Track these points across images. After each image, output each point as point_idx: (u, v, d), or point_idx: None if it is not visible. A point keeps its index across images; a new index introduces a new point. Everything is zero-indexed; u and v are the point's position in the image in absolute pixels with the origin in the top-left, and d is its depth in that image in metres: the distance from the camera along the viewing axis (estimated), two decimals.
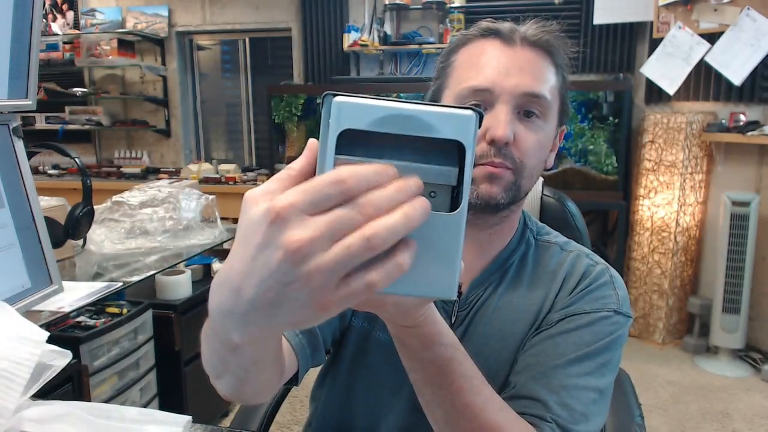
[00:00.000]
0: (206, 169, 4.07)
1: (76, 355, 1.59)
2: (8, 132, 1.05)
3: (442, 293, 0.41)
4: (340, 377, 0.86)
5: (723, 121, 3.10)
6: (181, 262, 1.90)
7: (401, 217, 0.34)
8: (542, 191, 1.09)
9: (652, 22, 3.27)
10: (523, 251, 0.82)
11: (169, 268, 1.80)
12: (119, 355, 1.77)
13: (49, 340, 0.80)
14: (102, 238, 1.79)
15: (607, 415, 0.73)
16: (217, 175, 3.96)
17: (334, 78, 3.87)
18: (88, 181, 1.47)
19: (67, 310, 1.26)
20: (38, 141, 1.36)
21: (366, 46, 3.72)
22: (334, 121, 0.39)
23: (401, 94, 3.48)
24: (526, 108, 0.72)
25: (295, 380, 0.77)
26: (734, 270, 2.92)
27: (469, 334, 0.78)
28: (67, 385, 1.39)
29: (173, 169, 4.25)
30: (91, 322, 1.71)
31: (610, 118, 3.22)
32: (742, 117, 3.07)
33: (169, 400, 2.05)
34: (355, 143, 0.39)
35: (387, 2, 3.74)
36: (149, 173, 4.24)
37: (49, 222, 1.25)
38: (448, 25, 3.62)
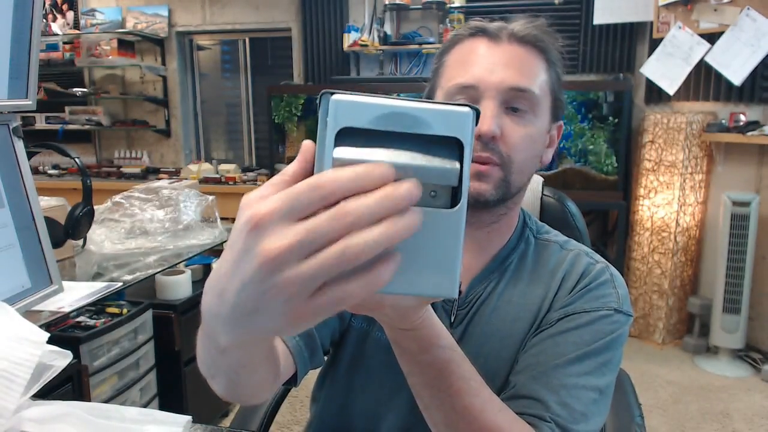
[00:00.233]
0: (206, 169, 4.07)
1: (76, 355, 1.59)
2: (8, 132, 1.05)
3: (443, 292, 0.41)
4: (338, 378, 0.86)
5: (723, 121, 3.10)
6: (181, 262, 1.90)
7: (381, 232, 0.33)
8: (542, 191, 1.09)
9: (652, 22, 3.27)
10: (523, 250, 0.82)
11: (169, 268, 1.80)
12: (119, 355, 1.77)
13: (49, 340, 0.80)
14: (102, 238, 1.79)
15: (607, 415, 0.73)
16: (217, 175, 3.96)
17: (334, 78, 3.87)
18: (88, 181, 1.47)
19: (67, 310, 1.26)
20: (38, 141, 1.36)
21: (366, 46, 3.72)
22: (331, 119, 0.38)
23: (401, 94, 3.46)
24: (513, 103, 0.72)
25: (294, 381, 0.77)
26: (734, 270, 2.92)
27: (468, 334, 0.78)
28: (67, 385, 1.39)
29: (173, 169, 4.25)
30: (91, 322, 1.71)
31: (610, 118, 3.22)
32: (742, 117, 3.07)
33: (169, 400, 2.04)
34: (354, 142, 0.39)
35: (387, 2, 3.74)
36: (149, 173, 4.24)
37: (49, 222, 1.25)
38: (448, 25, 3.62)
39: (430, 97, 0.80)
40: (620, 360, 0.75)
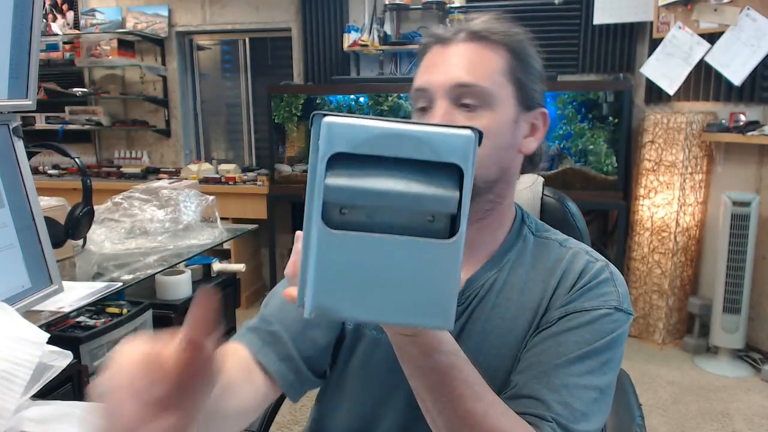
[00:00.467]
0: (206, 169, 4.07)
1: (76, 355, 1.59)
2: (8, 132, 1.05)
3: (438, 323, 0.40)
4: (334, 379, 0.86)
5: (723, 121, 3.10)
6: (181, 262, 1.89)
7: None
8: (542, 191, 1.09)
9: (652, 22, 3.27)
10: (521, 247, 0.82)
11: (169, 268, 1.79)
12: None
13: (49, 341, 0.80)
14: (102, 238, 1.79)
15: (609, 414, 0.73)
16: (217, 175, 3.96)
17: (334, 78, 3.87)
18: (88, 181, 1.47)
19: (67, 310, 1.26)
20: (38, 141, 1.36)
21: (366, 46, 3.72)
22: (323, 143, 0.37)
23: (401, 95, 3.48)
24: (463, 99, 0.74)
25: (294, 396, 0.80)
26: (734, 270, 2.92)
27: (468, 331, 0.78)
28: (67, 385, 1.39)
29: (173, 169, 4.25)
30: (91, 322, 1.71)
31: (610, 118, 3.22)
32: (742, 117, 3.07)
33: None
34: (348, 166, 0.37)
35: (387, 2, 3.74)
36: (149, 173, 4.24)
37: (49, 222, 1.25)
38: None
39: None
40: (621, 358, 0.75)
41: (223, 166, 4.08)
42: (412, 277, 0.38)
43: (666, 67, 3.18)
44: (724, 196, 2.94)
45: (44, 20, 4.30)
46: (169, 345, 0.41)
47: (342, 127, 0.37)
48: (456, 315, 0.79)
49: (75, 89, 4.33)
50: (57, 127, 4.38)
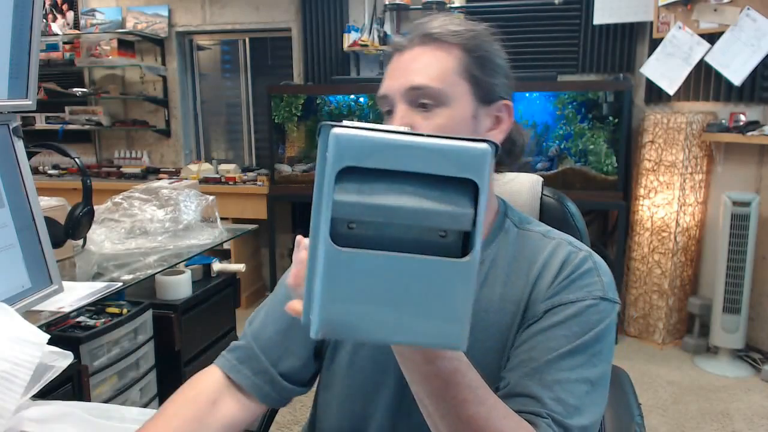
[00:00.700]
0: (206, 169, 4.07)
1: (76, 355, 1.59)
2: (8, 132, 1.05)
3: (451, 343, 0.39)
4: (324, 379, 0.88)
5: (723, 121, 3.10)
6: (181, 262, 1.90)
7: None
8: (542, 191, 1.09)
9: (652, 22, 3.27)
10: (503, 240, 0.82)
11: (169, 268, 1.79)
12: (119, 355, 1.77)
13: (50, 341, 0.80)
14: (102, 238, 1.79)
15: (605, 405, 0.73)
16: (217, 175, 3.96)
17: (334, 78, 3.87)
18: (88, 181, 1.47)
19: (67, 310, 1.26)
20: (38, 141, 1.36)
21: (366, 46, 3.72)
22: (332, 156, 0.35)
23: None
24: (419, 100, 0.76)
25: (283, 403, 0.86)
26: (734, 270, 2.92)
27: None
28: (67, 385, 1.40)
29: (173, 169, 4.25)
30: (91, 322, 1.71)
31: (610, 118, 3.22)
32: (742, 117, 3.07)
33: None
34: (358, 179, 0.36)
35: (387, 2, 3.74)
36: (149, 173, 4.24)
37: (49, 222, 1.25)
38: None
39: None
40: (612, 347, 0.75)
41: (223, 166, 4.08)
42: (423, 296, 0.37)
43: (666, 67, 3.18)
44: (724, 196, 2.94)
45: (44, 20, 4.30)
46: None
47: (351, 139, 0.36)
48: None
49: (75, 89, 4.33)
50: (57, 127, 4.38)
